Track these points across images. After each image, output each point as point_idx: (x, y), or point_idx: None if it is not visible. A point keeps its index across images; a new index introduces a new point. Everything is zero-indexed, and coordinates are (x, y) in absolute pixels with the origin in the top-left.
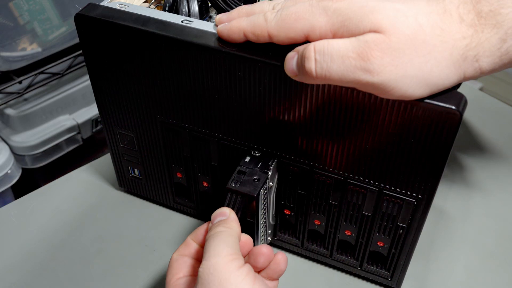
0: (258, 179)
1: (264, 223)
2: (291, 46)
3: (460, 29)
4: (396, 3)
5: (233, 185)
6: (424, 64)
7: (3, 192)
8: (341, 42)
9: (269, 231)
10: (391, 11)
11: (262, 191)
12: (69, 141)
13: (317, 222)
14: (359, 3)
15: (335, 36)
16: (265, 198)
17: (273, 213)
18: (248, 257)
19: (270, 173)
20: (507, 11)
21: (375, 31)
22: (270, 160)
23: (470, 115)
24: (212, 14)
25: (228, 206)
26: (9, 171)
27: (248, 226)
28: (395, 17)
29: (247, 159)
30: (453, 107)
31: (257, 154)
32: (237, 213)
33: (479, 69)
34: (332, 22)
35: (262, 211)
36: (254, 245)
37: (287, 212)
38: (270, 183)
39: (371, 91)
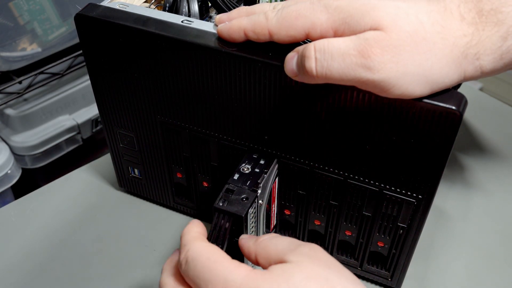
0: (247, 198)
1: None
2: (292, 46)
3: (461, 27)
4: (397, 1)
5: (221, 204)
6: (424, 61)
7: (3, 192)
8: (342, 40)
9: None
10: (392, 8)
11: (251, 210)
12: (69, 141)
13: (317, 222)
14: (361, 1)
15: (336, 33)
16: (254, 217)
17: (264, 230)
18: None
19: (259, 191)
20: (508, 10)
21: (375, 29)
22: (260, 177)
23: (470, 115)
24: (212, 14)
25: (215, 225)
26: (9, 171)
27: (236, 246)
28: (396, 14)
29: (236, 176)
30: (453, 107)
31: (247, 172)
32: (224, 233)
33: (479, 67)
34: (333, 20)
35: (251, 230)
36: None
37: (287, 212)
38: (260, 201)
39: (371, 90)
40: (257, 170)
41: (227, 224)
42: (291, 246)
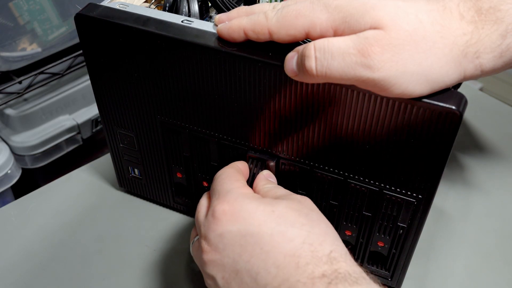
0: None
1: None
2: (291, 45)
3: (460, 26)
4: (396, 1)
5: (253, 153)
6: (424, 60)
7: (3, 192)
8: (342, 40)
9: None
10: (392, 8)
11: None
12: (69, 141)
13: None
14: (360, 0)
15: (335, 32)
16: None
17: None
18: None
19: None
20: (507, 8)
21: (375, 28)
22: None
23: (470, 115)
24: (212, 14)
25: (249, 174)
26: (9, 171)
27: None
28: (396, 13)
29: None
30: (453, 107)
31: None
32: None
33: (479, 66)
34: (333, 19)
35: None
36: None
37: None
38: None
39: (371, 89)
40: None
41: (260, 171)
42: (287, 192)
